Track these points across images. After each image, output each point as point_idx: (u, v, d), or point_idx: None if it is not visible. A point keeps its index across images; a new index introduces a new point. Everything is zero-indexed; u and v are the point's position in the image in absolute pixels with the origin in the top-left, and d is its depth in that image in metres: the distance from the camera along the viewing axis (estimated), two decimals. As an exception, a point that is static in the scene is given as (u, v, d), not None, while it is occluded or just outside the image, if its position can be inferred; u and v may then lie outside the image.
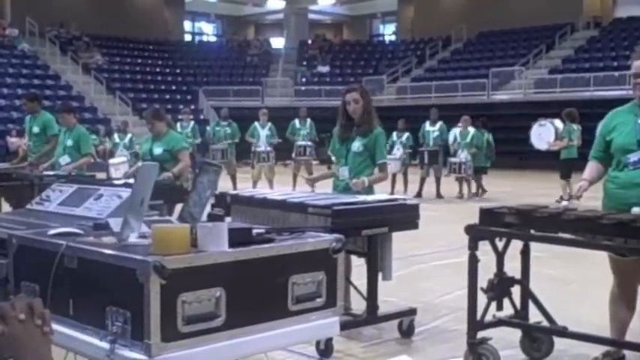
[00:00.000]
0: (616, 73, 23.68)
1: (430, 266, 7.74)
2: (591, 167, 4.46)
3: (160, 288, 2.21)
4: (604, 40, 28.70)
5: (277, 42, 39.16)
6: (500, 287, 4.40)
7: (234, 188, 13.05)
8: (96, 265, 2.42)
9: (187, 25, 41.13)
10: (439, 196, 14.74)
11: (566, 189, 12.63)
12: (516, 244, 4.50)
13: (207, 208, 2.91)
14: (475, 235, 4.25)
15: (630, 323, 4.45)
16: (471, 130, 14.89)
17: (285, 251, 2.50)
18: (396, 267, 6.87)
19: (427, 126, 15.11)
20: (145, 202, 2.56)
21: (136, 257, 2.28)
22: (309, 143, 15.24)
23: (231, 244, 2.37)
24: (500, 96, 27.02)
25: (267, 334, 2.42)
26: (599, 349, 4.46)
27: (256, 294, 2.42)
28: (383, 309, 5.14)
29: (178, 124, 15.38)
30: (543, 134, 13.66)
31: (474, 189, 15.00)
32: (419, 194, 14.64)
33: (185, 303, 2.27)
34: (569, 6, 29.90)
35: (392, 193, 14.09)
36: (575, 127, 13.36)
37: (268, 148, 14.78)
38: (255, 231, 2.53)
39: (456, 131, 14.97)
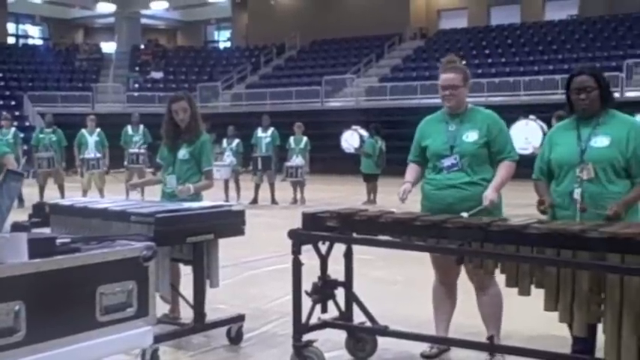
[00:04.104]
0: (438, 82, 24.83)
1: (262, 272, 7.77)
2: (411, 169, 4.76)
3: (-51, 304, 2.06)
4: (429, 50, 30.06)
5: (108, 46, 38.00)
6: (324, 290, 4.48)
7: (62, 198, 12.49)
8: None
9: (11, 27, 39.04)
10: (274, 202, 14.84)
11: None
12: (343, 248, 4.61)
13: (12, 219, 2.75)
14: (298, 239, 4.30)
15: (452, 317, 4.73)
16: (304, 137, 15.12)
17: (92, 261, 2.40)
18: (227, 274, 6.88)
19: (259, 132, 15.16)
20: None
21: None
22: (142, 151, 14.92)
23: (32, 255, 2.25)
24: (333, 103, 27.65)
25: (73, 347, 2.32)
26: (422, 344, 4.65)
27: (60, 306, 2.31)
28: (213, 316, 5.09)
29: (-3, 131, 14.54)
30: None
31: (298, 195, 15.13)
32: (254, 201, 14.68)
33: (-20, 319, 2.13)
34: (397, 17, 31.16)
35: (226, 200, 14.05)
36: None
37: (98, 155, 14.29)
38: (59, 241, 2.42)
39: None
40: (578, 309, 3.59)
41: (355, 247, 4.57)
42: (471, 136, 4.50)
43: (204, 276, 4.84)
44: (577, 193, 3.98)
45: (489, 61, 27.08)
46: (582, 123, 4.12)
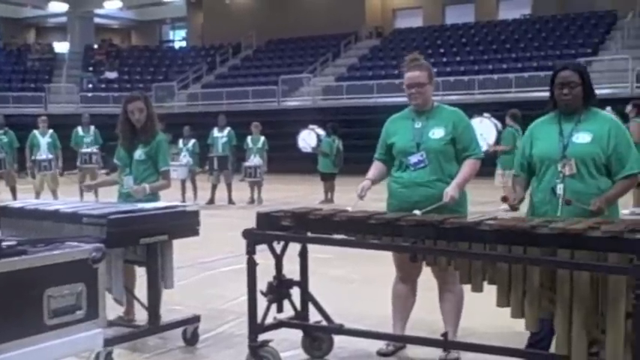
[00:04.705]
0: (397, 81, 24.98)
1: (218, 272, 7.74)
2: (375, 167, 4.75)
3: None
4: (385, 49, 30.22)
5: (61, 46, 37.43)
6: (279, 290, 4.48)
7: (14, 200, 12.27)
8: None
9: (-40, 27, 38.28)
10: (231, 202, 14.78)
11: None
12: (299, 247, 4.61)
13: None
14: (252, 239, 4.29)
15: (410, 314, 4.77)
16: (262, 136, 15.08)
17: (39, 263, 2.36)
18: (184, 274, 6.84)
19: (215, 132, 15.09)
20: None
21: None
22: (95, 150, 14.76)
23: (-23, 259, 2.20)
24: (290, 102, 27.63)
25: (21, 351, 2.27)
26: (378, 342, 4.67)
27: (7, 310, 2.26)
28: (168, 318, 5.06)
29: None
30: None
31: (256, 195, 15.07)
32: (211, 201, 14.60)
33: None
34: (353, 16, 31.28)
35: (183, 200, 13.95)
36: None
37: (50, 156, 14.07)
38: (5, 243, 2.38)
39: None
40: (530, 304, 3.64)
41: (313, 246, 4.56)
42: (437, 133, 4.52)
43: (158, 277, 4.80)
44: (560, 189, 4.00)
45: (444, 60, 27.31)
46: (564, 118, 4.13)
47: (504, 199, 4.25)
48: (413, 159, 4.52)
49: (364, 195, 4.49)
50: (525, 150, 4.26)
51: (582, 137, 4.03)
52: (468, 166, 4.51)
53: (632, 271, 3.27)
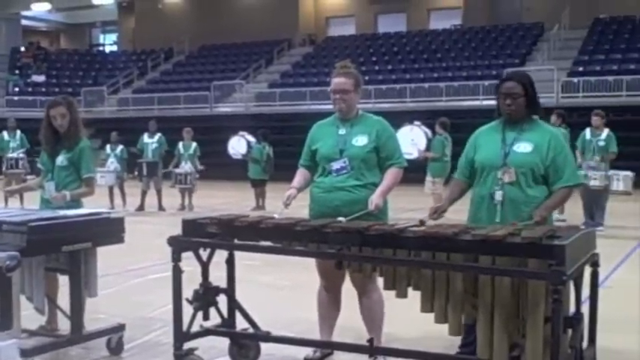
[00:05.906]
0: (329, 88, 24.93)
1: (146, 280, 7.62)
2: (300, 174, 4.76)
3: None
4: (318, 56, 30.35)
5: (-13, 48, 36.43)
6: (205, 297, 4.44)
7: None
8: None
9: None
10: (161, 208, 14.59)
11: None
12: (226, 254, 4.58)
13: None
14: (178, 246, 4.25)
15: (337, 321, 4.77)
16: (194, 142, 14.93)
17: (-51, 272, 2.29)
18: (111, 282, 6.73)
19: (145, 138, 14.88)
20: None
21: None
22: (21, 156, 14.41)
23: None
24: (223, 108, 27.48)
25: None
26: (306, 349, 4.67)
27: None
28: (93, 326, 4.96)
29: None
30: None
31: (187, 201, 14.92)
32: (141, 207, 14.39)
33: None
34: (286, 24, 31.36)
35: (112, 206, 13.73)
36: None
37: (-27, 163, 13.71)
38: None
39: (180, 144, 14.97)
40: (453, 310, 3.69)
41: (241, 253, 4.53)
42: (361, 141, 4.55)
43: (81, 286, 4.69)
44: (499, 195, 4.09)
45: (376, 68, 27.57)
46: (508, 127, 4.22)
47: (421, 223, 4.21)
48: (336, 165, 4.55)
49: (289, 203, 4.49)
50: (469, 155, 4.34)
51: (523, 147, 4.13)
52: (391, 174, 4.56)
53: (551, 277, 3.35)
